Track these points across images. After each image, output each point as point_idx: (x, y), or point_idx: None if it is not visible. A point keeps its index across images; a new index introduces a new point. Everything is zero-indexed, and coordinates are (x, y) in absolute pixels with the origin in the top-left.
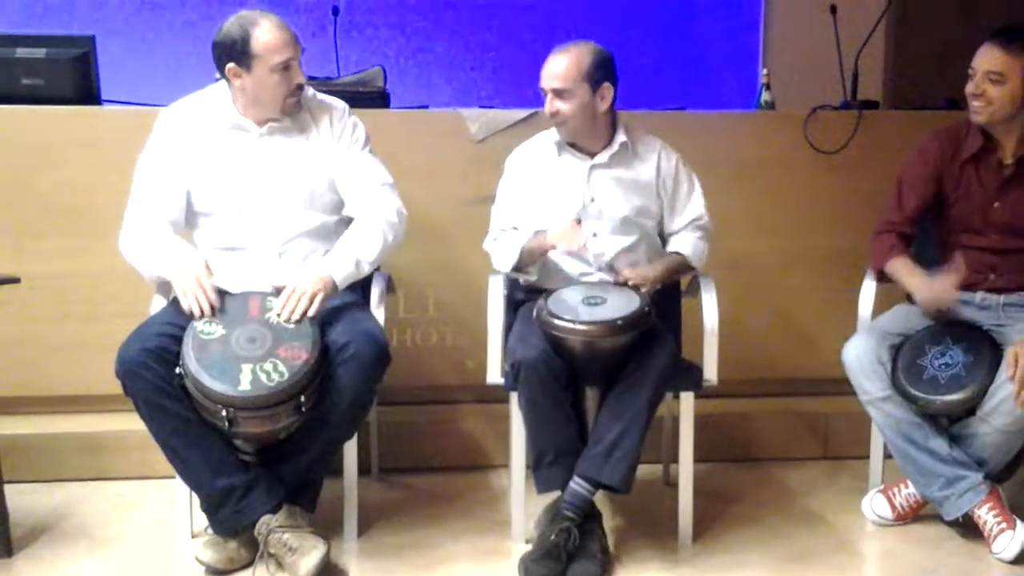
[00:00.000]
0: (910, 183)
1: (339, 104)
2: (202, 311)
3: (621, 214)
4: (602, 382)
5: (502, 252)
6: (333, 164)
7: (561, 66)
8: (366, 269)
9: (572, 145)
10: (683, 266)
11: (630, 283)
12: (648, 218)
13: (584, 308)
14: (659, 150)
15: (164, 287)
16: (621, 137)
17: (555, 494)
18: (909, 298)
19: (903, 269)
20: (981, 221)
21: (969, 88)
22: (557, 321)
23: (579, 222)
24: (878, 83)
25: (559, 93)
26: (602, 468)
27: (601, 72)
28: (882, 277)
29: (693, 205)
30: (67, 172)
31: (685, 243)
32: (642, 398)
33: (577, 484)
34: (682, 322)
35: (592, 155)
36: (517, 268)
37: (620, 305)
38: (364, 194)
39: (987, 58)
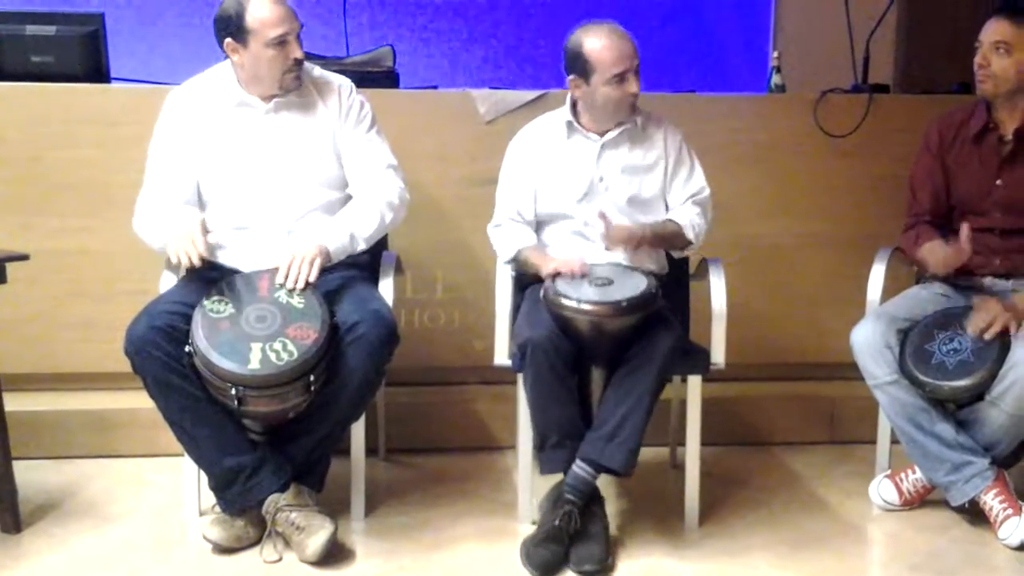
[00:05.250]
0: (919, 178)
1: (345, 81)
2: (191, 262)
3: (630, 194)
4: (608, 364)
5: (502, 245)
6: (339, 142)
7: (633, 45)
8: (360, 245)
9: (584, 124)
10: (677, 235)
11: (612, 235)
12: (656, 197)
13: (591, 289)
14: (665, 127)
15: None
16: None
17: (559, 477)
18: (918, 281)
19: (926, 250)
20: (984, 201)
21: (976, 60)
22: (564, 301)
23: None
24: (889, 67)
25: (637, 72)
26: (603, 451)
27: None
28: (920, 270)
29: (694, 182)
30: (76, 150)
31: (682, 215)
32: (646, 381)
33: (579, 467)
34: (690, 305)
35: (602, 134)
36: (513, 263)
37: (627, 287)
38: (367, 175)
39: (994, 29)
